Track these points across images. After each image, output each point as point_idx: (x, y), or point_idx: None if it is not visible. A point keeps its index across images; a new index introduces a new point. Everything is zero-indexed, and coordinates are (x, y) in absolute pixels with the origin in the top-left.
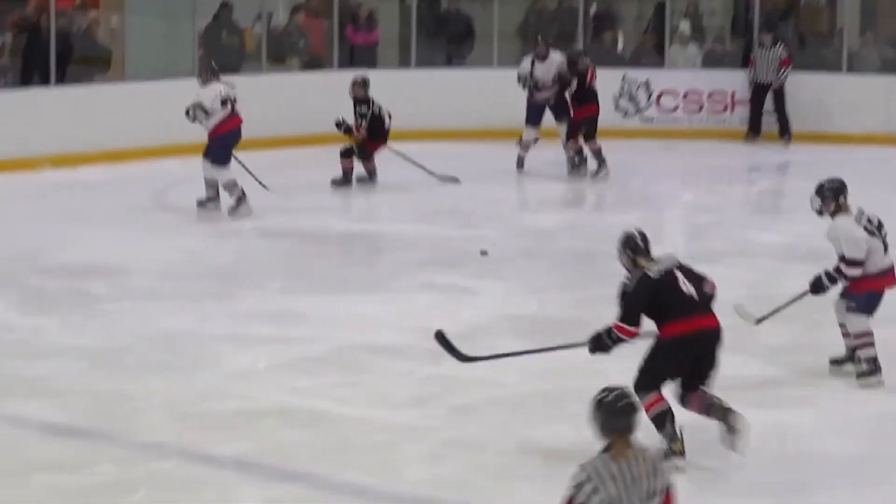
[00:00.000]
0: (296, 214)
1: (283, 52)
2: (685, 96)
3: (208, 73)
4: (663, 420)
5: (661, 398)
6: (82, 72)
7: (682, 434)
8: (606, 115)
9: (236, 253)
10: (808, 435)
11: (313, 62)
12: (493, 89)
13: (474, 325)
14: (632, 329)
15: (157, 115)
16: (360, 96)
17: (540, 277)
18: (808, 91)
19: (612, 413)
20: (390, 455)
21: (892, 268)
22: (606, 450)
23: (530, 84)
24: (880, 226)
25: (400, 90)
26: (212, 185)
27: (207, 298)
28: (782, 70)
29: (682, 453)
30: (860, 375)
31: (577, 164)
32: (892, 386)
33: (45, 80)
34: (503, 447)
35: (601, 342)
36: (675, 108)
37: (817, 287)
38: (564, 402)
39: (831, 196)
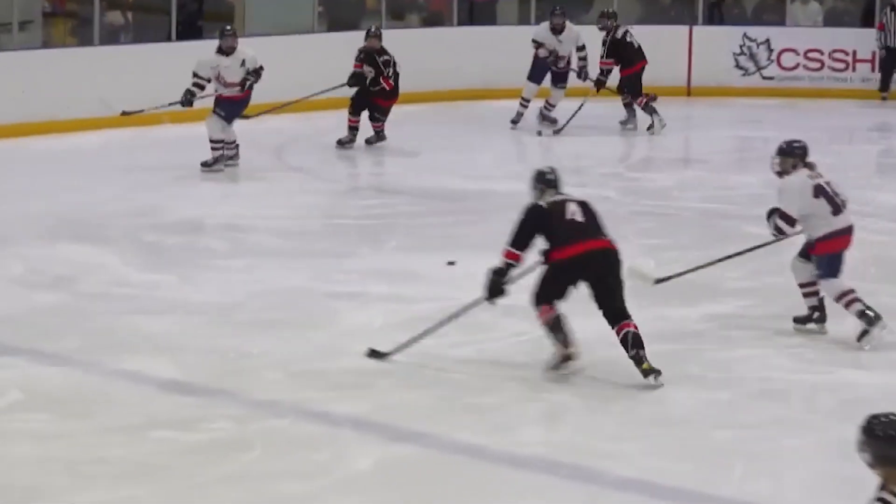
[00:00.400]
0: (414, 172)
1: (402, 8)
2: (806, 54)
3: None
4: (557, 324)
5: (552, 308)
6: (206, 28)
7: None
8: (726, 74)
9: (353, 210)
10: None
11: (433, 18)
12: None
13: None
14: (515, 252)
15: (278, 71)
16: (378, 47)
17: (659, 238)
18: None
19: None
20: (506, 416)
21: (850, 228)
22: (882, 487)
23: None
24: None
25: (520, 47)
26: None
27: (324, 256)
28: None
29: (574, 357)
30: (860, 338)
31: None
32: None
33: (167, 37)
34: (618, 409)
35: (492, 284)
36: (796, 67)
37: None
38: (681, 364)
39: (790, 156)
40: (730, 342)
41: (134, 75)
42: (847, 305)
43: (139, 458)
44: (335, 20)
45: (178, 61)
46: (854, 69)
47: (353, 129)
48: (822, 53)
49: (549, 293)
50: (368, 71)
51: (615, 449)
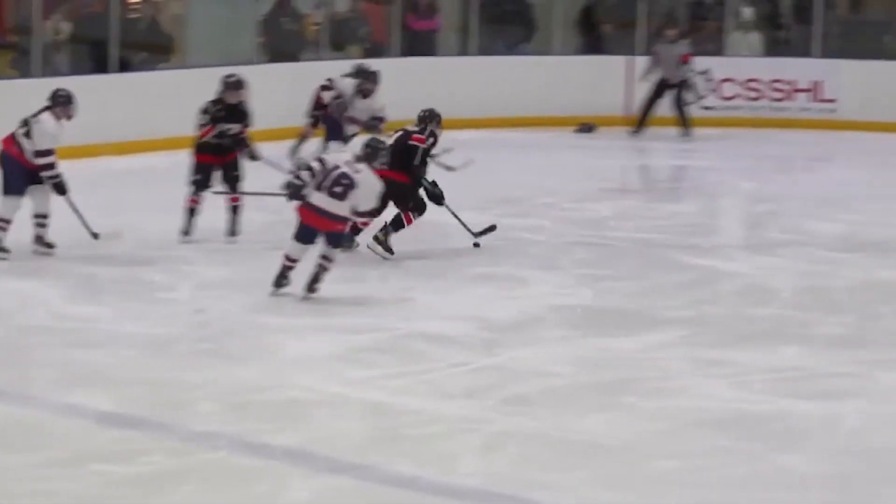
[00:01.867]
0: None
1: (343, 39)
2: (746, 84)
3: None
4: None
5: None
6: (145, 59)
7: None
8: (665, 104)
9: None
10: (861, 428)
11: (374, 49)
12: (553, 77)
13: (527, 315)
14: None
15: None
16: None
17: (596, 267)
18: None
19: None
20: (443, 446)
21: None
22: None
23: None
24: None
25: (460, 78)
26: None
27: (263, 286)
28: (683, 66)
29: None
30: None
31: None
32: None
33: (104, 69)
34: (557, 439)
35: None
36: (736, 97)
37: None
38: (619, 394)
39: None
40: (668, 371)
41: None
42: None
43: (77, 491)
44: (276, 51)
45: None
46: (793, 99)
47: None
48: (761, 83)
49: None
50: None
51: (554, 479)
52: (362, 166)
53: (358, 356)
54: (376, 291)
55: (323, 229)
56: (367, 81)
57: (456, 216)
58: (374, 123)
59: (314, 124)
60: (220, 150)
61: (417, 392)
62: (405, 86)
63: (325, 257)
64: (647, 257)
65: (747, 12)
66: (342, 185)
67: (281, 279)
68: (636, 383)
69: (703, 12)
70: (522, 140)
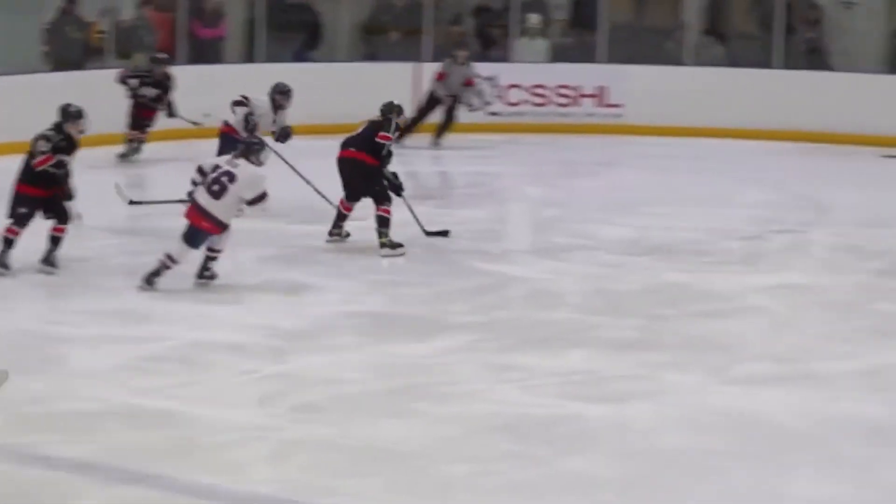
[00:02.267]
0: (140, 210)
1: (129, 47)
2: (532, 90)
3: None
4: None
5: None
6: None
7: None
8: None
9: (79, 251)
10: (651, 430)
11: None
12: (340, 84)
13: (318, 323)
14: None
15: (2, 110)
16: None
17: (387, 274)
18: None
19: None
20: (235, 455)
21: None
22: None
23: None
24: None
25: (245, 86)
26: None
27: (51, 297)
28: (467, 89)
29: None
30: None
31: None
32: (734, 379)
33: None
34: (348, 446)
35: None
36: (522, 102)
37: None
38: (410, 400)
39: None
40: (459, 377)
41: None
42: None
43: None
44: (61, 59)
45: None
46: (579, 104)
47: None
48: (547, 89)
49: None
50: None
51: (346, 485)
52: (241, 161)
53: (147, 366)
54: (164, 300)
55: (198, 226)
56: (283, 98)
57: (411, 210)
58: (285, 134)
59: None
60: (51, 181)
61: (208, 401)
62: (192, 93)
63: (211, 249)
64: (438, 263)
65: (533, 19)
66: (220, 183)
67: (152, 276)
68: (427, 389)
69: (490, 19)
70: (311, 148)
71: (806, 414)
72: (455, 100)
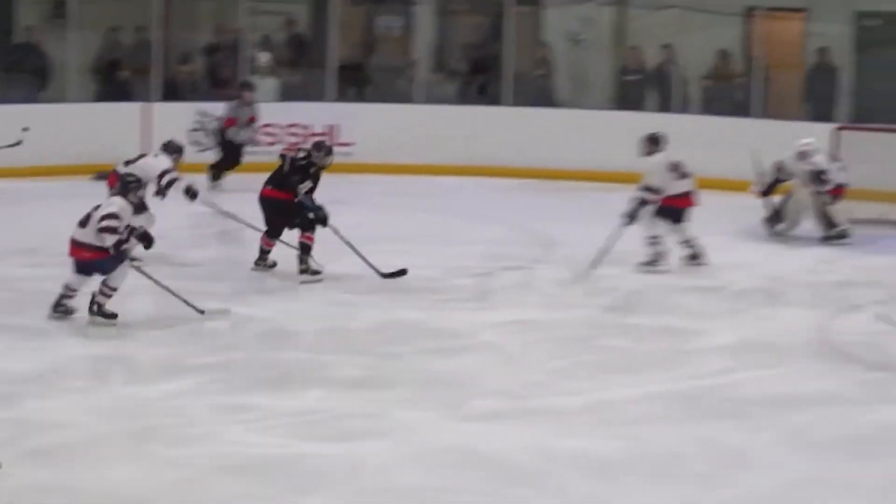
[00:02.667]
0: None
1: None
2: (262, 129)
3: None
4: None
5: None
6: None
7: None
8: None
9: None
10: (385, 468)
11: None
12: (70, 125)
13: (51, 366)
14: None
15: None
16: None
17: (122, 315)
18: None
19: None
20: None
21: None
22: None
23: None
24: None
25: None
26: None
27: None
28: (251, 125)
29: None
30: None
31: None
32: (467, 416)
33: None
34: (77, 491)
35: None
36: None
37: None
38: (142, 442)
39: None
40: (191, 418)
41: None
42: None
43: None
44: None
45: None
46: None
47: None
48: (278, 128)
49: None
50: None
51: None
52: (116, 198)
53: None
54: None
55: (76, 257)
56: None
57: (357, 252)
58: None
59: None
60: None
61: None
62: None
63: (104, 283)
64: (170, 306)
65: (263, 58)
66: (87, 215)
67: (57, 306)
68: (160, 431)
69: (220, 58)
70: (41, 190)
71: (537, 450)
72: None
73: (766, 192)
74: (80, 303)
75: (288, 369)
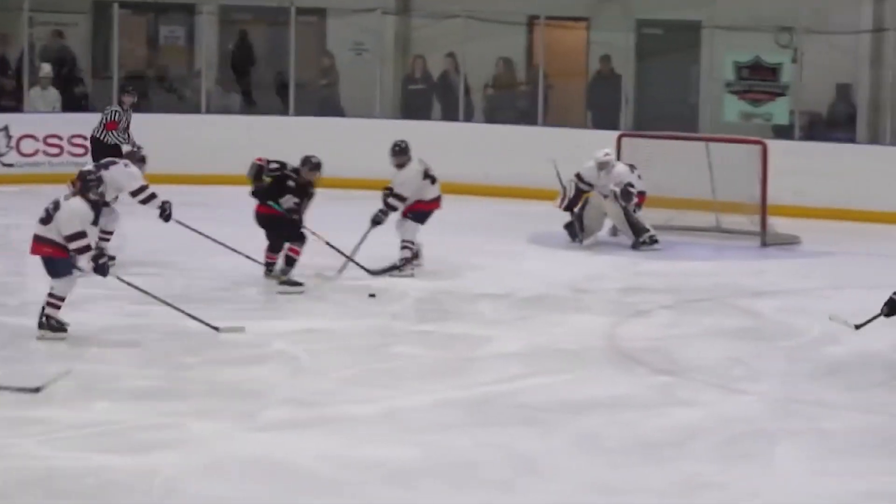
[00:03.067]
0: None
1: None
2: (45, 140)
3: None
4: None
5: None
6: None
7: None
8: None
9: None
10: (177, 479)
11: None
12: None
13: None
14: None
15: None
16: None
17: None
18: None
19: None
20: None
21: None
22: None
23: None
24: None
25: None
26: None
27: None
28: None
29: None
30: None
31: None
32: (260, 426)
33: None
34: None
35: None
36: (36, 153)
37: None
38: None
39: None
40: None
41: None
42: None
43: None
44: None
45: None
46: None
47: None
48: (61, 139)
49: None
50: None
51: None
52: (74, 197)
53: None
54: None
55: (35, 254)
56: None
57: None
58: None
59: None
60: None
61: None
62: None
63: (50, 294)
64: None
65: (45, 69)
66: (47, 211)
67: (43, 317)
68: None
69: (2, 68)
70: None
71: (332, 458)
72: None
73: (570, 206)
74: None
75: (77, 381)
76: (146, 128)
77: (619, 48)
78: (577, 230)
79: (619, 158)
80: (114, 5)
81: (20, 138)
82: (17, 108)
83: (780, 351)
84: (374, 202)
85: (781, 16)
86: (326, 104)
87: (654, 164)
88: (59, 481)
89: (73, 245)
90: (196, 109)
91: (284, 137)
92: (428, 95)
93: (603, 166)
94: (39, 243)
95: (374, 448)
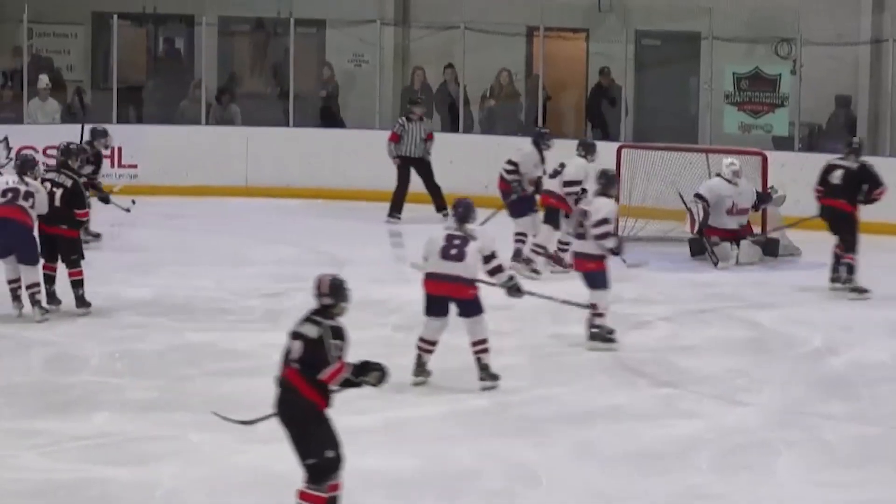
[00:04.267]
0: None
1: None
2: (45, 152)
3: None
4: None
5: None
6: None
7: None
8: None
9: None
10: (176, 490)
11: None
12: None
13: None
14: None
15: None
16: None
17: None
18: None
19: None
20: None
21: None
22: None
23: None
24: None
25: None
26: None
27: None
28: (428, 143)
29: None
30: None
31: None
32: (259, 438)
33: None
34: None
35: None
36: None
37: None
38: None
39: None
40: None
41: None
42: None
43: None
44: None
45: None
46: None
47: None
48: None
49: None
50: None
51: None
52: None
53: None
54: None
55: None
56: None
57: None
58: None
59: None
60: None
61: None
62: None
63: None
64: None
65: (44, 80)
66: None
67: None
68: None
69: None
70: None
71: None
72: None
73: (701, 228)
74: None
75: (77, 393)
76: (144, 140)
77: (618, 59)
78: (709, 251)
79: (618, 170)
80: (113, 16)
81: (20, 150)
82: (16, 119)
83: (781, 362)
84: (376, 212)
85: (781, 27)
86: (326, 114)
87: (654, 176)
88: (60, 493)
89: None
90: (195, 120)
91: (281, 148)
92: (428, 106)
93: (737, 174)
94: None
95: (375, 459)
